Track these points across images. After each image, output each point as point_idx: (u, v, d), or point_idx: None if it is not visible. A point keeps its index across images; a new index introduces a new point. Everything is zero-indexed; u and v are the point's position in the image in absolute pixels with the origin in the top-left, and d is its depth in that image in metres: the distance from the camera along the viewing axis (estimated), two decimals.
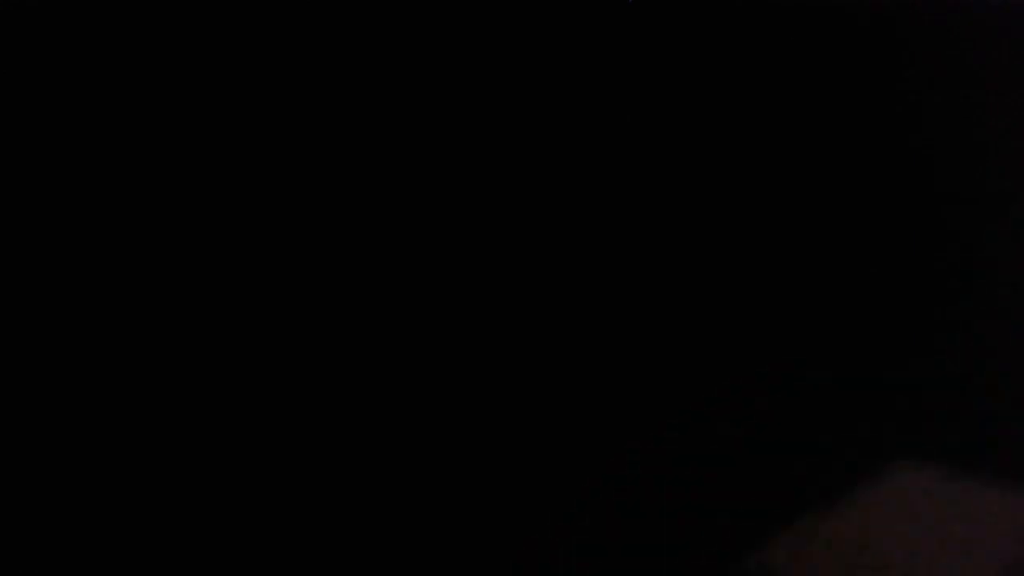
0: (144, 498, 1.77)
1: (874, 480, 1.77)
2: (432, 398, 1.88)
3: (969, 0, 1.94)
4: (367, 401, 1.88)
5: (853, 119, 1.97)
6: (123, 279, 1.86)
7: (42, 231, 1.83)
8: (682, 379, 1.91)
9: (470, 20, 1.90)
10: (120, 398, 1.83)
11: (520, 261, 1.93)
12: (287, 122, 1.90)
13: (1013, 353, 1.91)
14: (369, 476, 1.82)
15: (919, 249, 1.97)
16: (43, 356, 1.82)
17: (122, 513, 1.76)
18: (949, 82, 1.97)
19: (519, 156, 1.93)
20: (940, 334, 1.93)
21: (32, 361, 1.82)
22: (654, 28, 1.93)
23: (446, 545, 1.73)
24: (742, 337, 1.94)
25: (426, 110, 1.92)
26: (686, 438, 1.86)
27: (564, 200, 1.94)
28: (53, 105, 1.82)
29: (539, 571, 1.68)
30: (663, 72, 1.95)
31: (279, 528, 1.75)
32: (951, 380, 1.90)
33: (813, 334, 1.94)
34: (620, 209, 1.95)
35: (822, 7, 1.95)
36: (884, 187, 1.98)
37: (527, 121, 1.93)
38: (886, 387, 1.91)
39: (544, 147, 1.94)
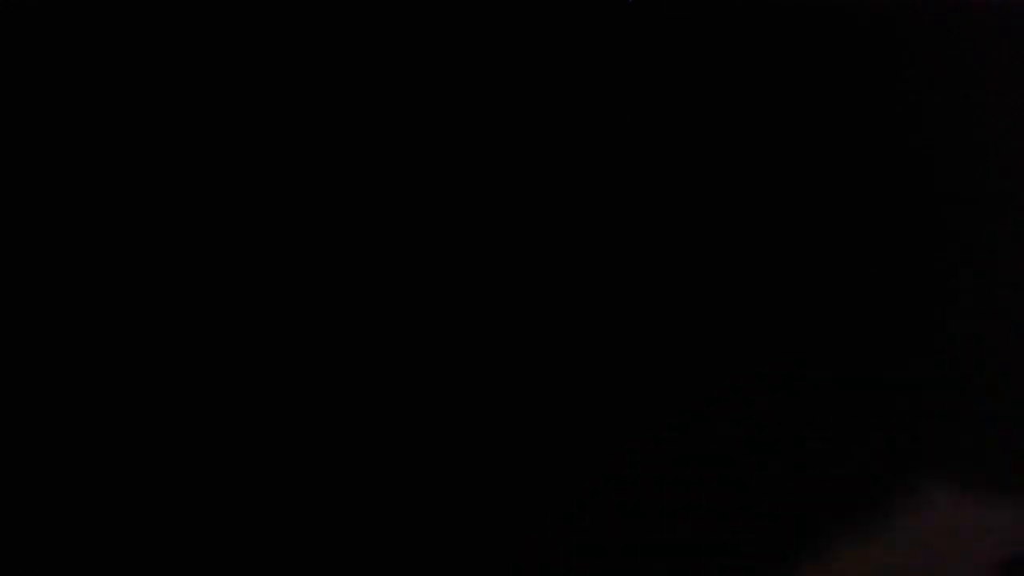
0: (144, 498, 1.77)
1: (874, 480, 1.77)
2: (431, 398, 1.88)
3: (969, 0, 1.94)
4: (366, 400, 1.88)
5: (853, 119, 1.97)
6: (123, 279, 1.85)
7: (42, 231, 1.83)
8: (682, 379, 1.91)
9: (469, 19, 1.90)
10: (120, 398, 1.83)
11: (519, 261, 1.93)
12: (287, 122, 1.90)
13: (1013, 353, 1.91)
14: (368, 476, 1.82)
15: (919, 249, 1.97)
16: (43, 356, 1.82)
17: (122, 513, 1.76)
18: (949, 82, 1.97)
19: (518, 156, 1.93)
20: (940, 334, 1.93)
21: (32, 361, 1.82)
22: (654, 28, 1.93)
23: (446, 545, 1.73)
24: (742, 337, 1.94)
25: (423, 110, 1.92)
26: (686, 438, 1.86)
27: (563, 200, 1.94)
28: (53, 105, 1.82)
29: (539, 571, 1.67)
30: (663, 72, 1.94)
31: (279, 528, 1.75)
32: (951, 380, 1.90)
33: (813, 334, 1.94)
34: (619, 209, 1.95)
35: (822, 7, 1.95)
36: (884, 187, 1.98)
37: (526, 121, 1.93)
38: (886, 387, 1.91)
39: (543, 147, 1.94)
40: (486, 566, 1.70)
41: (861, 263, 1.96)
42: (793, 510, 1.77)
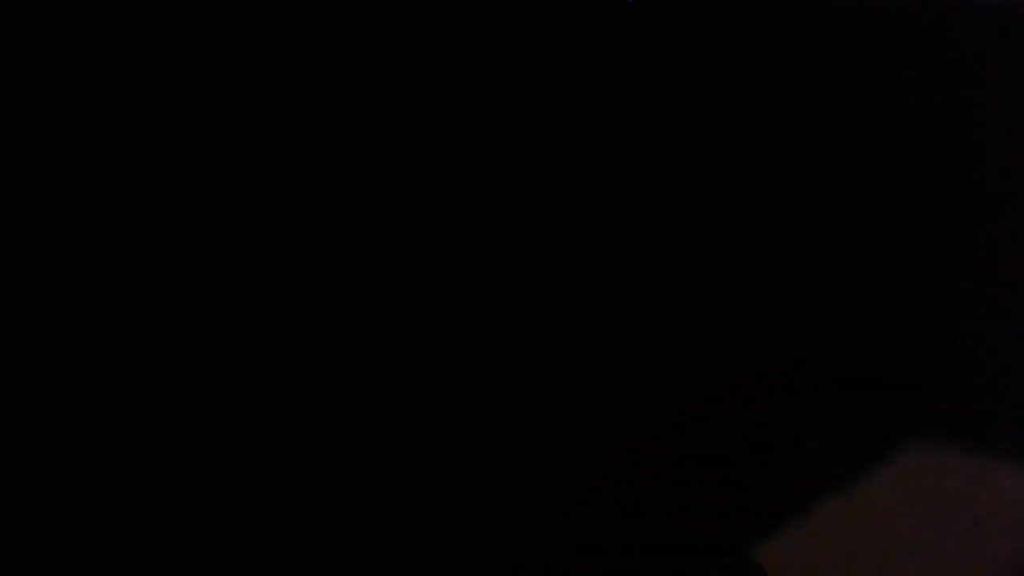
0: (144, 498, 1.77)
1: (874, 481, 1.77)
2: (431, 397, 1.89)
3: (969, 0, 1.95)
4: (366, 401, 1.88)
5: (853, 119, 1.98)
6: (123, 279, 1.86)
7: (43, 231, 1.83)
8: (682, 379, 1.91)
9: (468, 19, 1.90)
10: (120, 398, 1.83)
11: (519, 261, 1.93)
12: (287, 122, 1.90)
13: (1013, 353, 1.91)
14: (368, 476, 1.82)
15: (919, 249, 1.97)
16: (43, 356, 1.82)
17: (122, 513, 1.76)
18: (949, 82, 1.97)
19: (518, 156, 1.94)
20: (940, 334, 1.93)
21: (32, 361, 1.82)
22: (654, 28, 1.93)
23: (446, 545, 1.73)
24: (742, 337, 1.94)
25: (424, 110, 1.92)
26: (686, 438, 1.86)
27: (563, 200, 1.94)
28: (54, 105, 1.83)
29: (539, 571, 1.68)
30: (663, 72, 1.95)
31: (279, 528, 1.75)
32: (951, 380, 1.90)
33: (813, 334, 1.94)
34: (619, 209, 1.95)
35: (822, 7, 1.95)
36: (884, 187, 1.98)
37: (526, 121, 1.93)
38: (886, 387, 1.91)
39: (543, 147, 1.94)
40: (486, 566, 1.70)
41: (861, 263, 1.97)
42: (791, 510, 1.77)
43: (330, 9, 1.89)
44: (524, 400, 1.88)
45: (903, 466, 1.79)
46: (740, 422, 1.87)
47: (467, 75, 1.92)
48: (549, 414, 1.88)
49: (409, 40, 1.92)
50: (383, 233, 1.92)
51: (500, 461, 1.83)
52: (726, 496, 1.78)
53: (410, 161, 1.93)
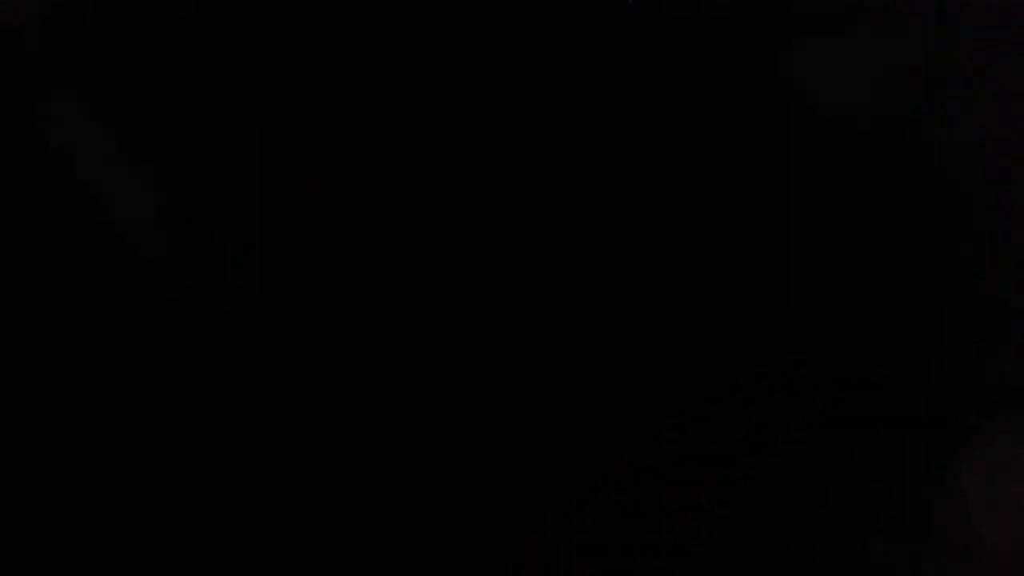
0: (144, 498, 1.77)
1: (874, 480, 1.77)
2: (430, 397, 1.88)
3: (969, 0, 1.94)
4: (365, 400, 1.88)
5: (854, 119, 1.97)
6: (121, 277, 1.86)
7: (42, 228, 1.83)
8: (682, 379, 1.91)
9: (468, 21, 1.90)
10: (119, 397, 1.83)
11: (520, 261, 1.93)
12: (285, 121, 1.90)
13: (1013, 353, 1.91)
14: (367, 475, 1.82)
15: (919, 249, 1.97)
16: (44, 355, 1.82)
17: (122, 513, 1.76)
18: (949, 82, 1.97)
19: (518, 158, 1.94)
20: (940, 334, 1.93)
21: (32, 360, 1.82)
22: (655, 32, 1.93)
23: (446, 545, 1.73)
24: (742, 337, 1.94)
25: (423, 112, 1.92)
26: (686, 438, 1.86)
27: (563, 201, 1.94)
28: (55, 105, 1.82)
29: (539, 571, 1.68)
30: (663, 76, 1.95)
31: (279, 528, 1.75)
32: (951, 380, 1.90)
33: (813, 334, 1.94)
34: (620, 210, 1.95)
35: (824, 11, 1.95)
36: (884, 188, 1.98)
37: (526, 124, 1.93)
38: (885, 387, 1.91)
39: (543, 150, 1.94)
40: (486, 566, 1.70)
41: (861, 263, 1.97)
42: (791, 510, 1.77)
43: (329, 9, 1.89)
44: (524, 400, 1.88)
45: (902, 468, 1.79)
46: (740, 422, 1.87)
47: (466, 77, 1.92)
48: (549, 414, 1.87)
49: (407, 41, 1.92)
50: (382, 234, 1.92)
51: (500, 461, 1.83)
52: (727, 496, 1.78)
53: (407, 162, 1.93)
